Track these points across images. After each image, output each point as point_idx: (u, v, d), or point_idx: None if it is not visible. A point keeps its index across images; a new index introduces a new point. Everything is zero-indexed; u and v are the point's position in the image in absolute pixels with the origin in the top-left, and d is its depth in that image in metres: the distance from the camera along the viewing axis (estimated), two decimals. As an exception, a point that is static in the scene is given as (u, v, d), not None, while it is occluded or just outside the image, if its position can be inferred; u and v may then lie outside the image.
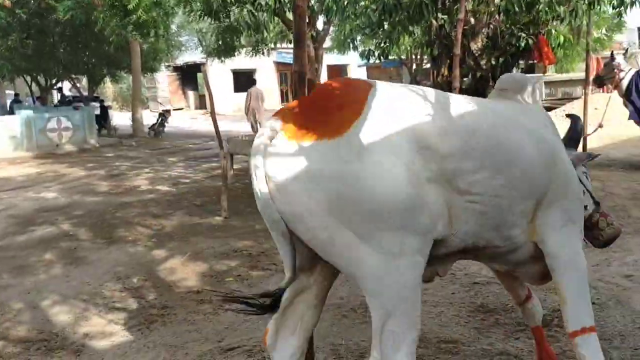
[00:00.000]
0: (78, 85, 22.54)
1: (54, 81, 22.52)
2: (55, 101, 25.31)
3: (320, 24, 12.88)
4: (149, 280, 4.91)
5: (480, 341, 3.38)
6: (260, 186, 2.03)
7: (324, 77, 20.76)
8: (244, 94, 16.81)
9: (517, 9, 5.68)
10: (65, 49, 18.99)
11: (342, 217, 1.97)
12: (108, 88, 34.10)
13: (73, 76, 21.34)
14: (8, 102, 24.89)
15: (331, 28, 13.38)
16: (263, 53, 18.46)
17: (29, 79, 22.11)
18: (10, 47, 16.57)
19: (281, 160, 2.01)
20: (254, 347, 3.49)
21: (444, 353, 3.26)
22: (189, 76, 33.84)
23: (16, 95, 24.17)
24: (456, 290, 4.32)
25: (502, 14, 6.01)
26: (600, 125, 9.16)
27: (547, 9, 5.72)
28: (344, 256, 2.05)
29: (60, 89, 25.13)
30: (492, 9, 6.34)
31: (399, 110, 2.08)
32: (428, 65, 22.18)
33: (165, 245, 6.02)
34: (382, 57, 7.43)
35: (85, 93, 21.87)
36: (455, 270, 4.75)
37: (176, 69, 33.15)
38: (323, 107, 2.10)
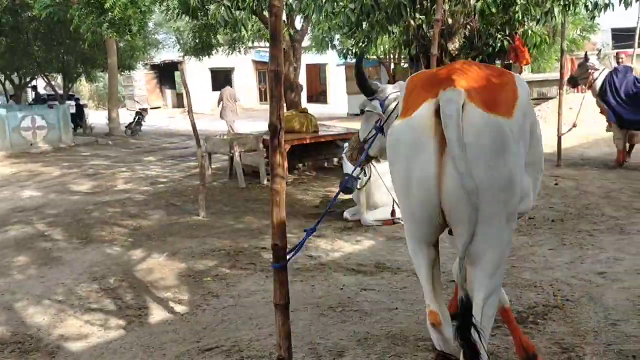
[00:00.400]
0: (53, 83, 22.15)
1: (28, 79, 22.11)
2: (30, 99, 24.88)
3: (298, 22, 12.87)
4: (126, 281, 4.86)
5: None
6: (457, 152, 2.15)
7: (302, 76, 20.71)
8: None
9: (492, 9, 5.74)
10: (39, 46, 18.65)
11: (515, 190, 2.26)
12: (84, 86, 33.59)
13: (48, 74, 20.96)
14: (-20, 100, 24.44)
15: (309, 27, 13.39)
16: (240, 51, 18.40)
17: (2, 77, 21.68)
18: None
19: (478, 128, 2.21)
20: (232, 347, 3.48)
21: (421, 351, 3.29)
22: (166, 74, 33.51)
23: (-12, 93, 23.71)
24: (433, 288, 4.35)
25: (477, 15, 6.06)
26: (575, 125, 9.31)
27: (522, 10, 5.79)
28: (503, 222, 2.28)
29: (34, 87, 24.69)
30: (469, 9, 6.40)
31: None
32: (406, 65, 22.37)
33: (142, 245, 5.96)
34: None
35: (61, 91, 21.49)
36: (433, 269, 4.80)
37: (153, 67, 32.78)
38: (489, 86, 2.36)
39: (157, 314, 4.14)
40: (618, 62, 9.17)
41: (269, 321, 3.84)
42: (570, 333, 3.46)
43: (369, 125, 3.63)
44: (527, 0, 5.93)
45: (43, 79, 21.56)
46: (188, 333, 3.75)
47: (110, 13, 9.08)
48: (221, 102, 15.49)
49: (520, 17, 5.77)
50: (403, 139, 2.38)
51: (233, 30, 11.11)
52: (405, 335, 3.49)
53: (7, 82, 21.96)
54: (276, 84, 2.66)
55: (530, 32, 6.45)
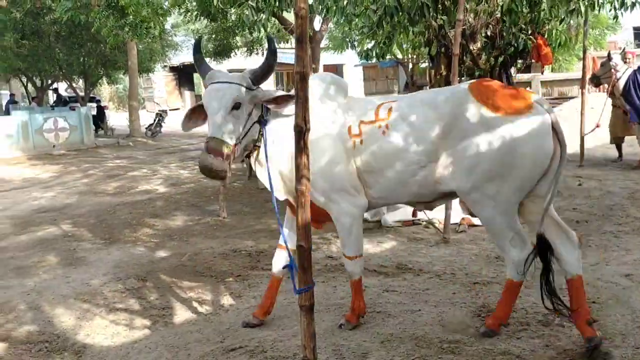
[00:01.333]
0: (74, 85, 22.46)
1: (49, 82, 22.46)
2: (51, 102, 25.25)
3: (317, 23, 12.88)
4: (150, 281, 4.90)
5: (482, 341, 3.39)
6: None
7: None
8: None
9: (520, 8, 5.67)
10: (61, 49, 18.93)
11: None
12: (104, 88, 34.04)
13: (69, 76, 21.27)
14: (4, 102, 24.86)
15: (328, 28, 13.40)
16: (257, 53, 18.50)
17: (24, 79, 22.03)
18: (5, 47, 16.52)
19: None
20: (255, 347, 3.49)
21: (446, 353, 3.27)
22: (185, 76, 33.81)
23: (12, 95, 24.11)
24: (457, 290, 4.32)
25: (504, 14, 5.97)
26: (598, 125, 9.20)
27: (549, 8, 5.69)
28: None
29: (56, 90, 25.07)
30: (492, 8, 6.34)
31: None
32: (424, 65, 22.27)
33: (165, 246, 6.02)
34: (380, 57, 7.44)
35: (82, 93, 21.79)
36: (455, 270, 4.78)
37: (173, 69, 33.10)
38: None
39: (181, 314, 4.17)
40: (625, 61, 9.05)
41: (292, 322, 3.86)
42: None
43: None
44: (554, -2, 5.85)
45: (65, 81, 21.88)
46: (212, 333, 3.78)
47: (130, 15, 9.18)
48: None
49: (548, 15, 5.68)
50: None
51: (251, 32, 11.16)
52: (429, 338, 3.47)
53: (29, 85, 22.31)
54: (302, 85, 2.66)
55: (555, 30, 6.36)
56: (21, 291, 4.81)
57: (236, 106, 3.29)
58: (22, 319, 4.21)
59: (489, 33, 6.94)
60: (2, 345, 3.78)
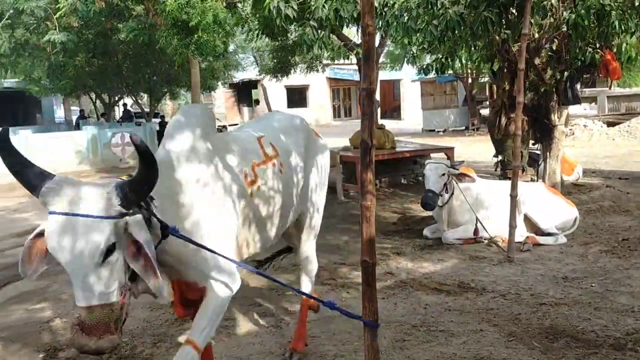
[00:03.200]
0: (140, 102, 23.37)
1: (116, 98, 23.45)
2: (117, 117, 26.35)
3: (376, 39, 12.93)
4: (212, 293, 4.99)
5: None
6: None
7: (377, 92, 20.76)
8: (297, 109, 17.07)
9: (586, 22, 5.50)
10: (128, 67, 19.76)
11: None
12: (167, 105, 35.20)
13: (135, 93, 22.15)
14: (74, 118, 26.14)
15: (386, 43, 13.44)
16: (317, 70, 18.72)
17: (93, 96, 23.10)
18: (77, 66, 17.39)
19: None
20: (317, 362, 3.50)
21: (512, 375, 3.18)
22: (244, 92, 34.54)
23: (81, 111, 25.33)
24: (522, 310, 4.20)
25: (570, 28, 5.81)
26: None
27: (619, 21, 5.48)
28: None
29: (125, 105, 26.17)
30: (558, 22, 6.18)
31: None
32: (483, 80, 21.93)
33: (226, 259, 6.12)
34: (439, 72, 7.39)
35: (147, 109, 22.67)
36: (520, 290, 4.64)
37: (232, 85, 33.90)
38: None
39: (243, 326, 4.23)
40: None
41: (352, 337, 3.85)
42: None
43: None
44: (623, 10, 5.63)
45: (131, 97, 22.80)
46: (274, 345, 3.82)
47: (195, 35, 9.48)
48: None
49: (617, 28, 5.47)
50: None
51: (309, 51, 11.39)
52: (494, 359, 3.38)
53: (97, 101, 23.37)
54: (368, 101, 2.69)
55: (625, 44, 6.12)
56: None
57: (110, 250, 2.08)
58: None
59: (554, 47, 6.77)
60: (74, 351, 3.93)
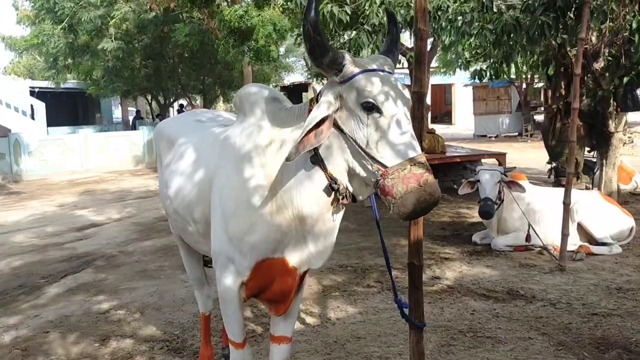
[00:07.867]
0: (194, 103, 23.95)
1: (171, 99, 24.12)
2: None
3: (427, 44, 12.81)
4: (260, 291, 5.09)
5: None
6: None
7: (427, 97, 20.60)
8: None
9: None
10: (183, 69, 20.31)
11: None
12: (219, 107, 35.95)
13: (189, 95, 22.73)
14: (130, 118, 27.05)
15: (439, 48, 13.31)
16: (362, 72, 18.69)
17: (149, 97, 23.85)
18: (133, 68, 18.03)
19: None
20: (362, 362, 3.53)
21: (561, 384, 3.13)
22: (295, 95, 34.85)
23: (138, 112, 26.19)
24: (573, 320, 4.11)
25: (633, 33, 5.60)
26: None
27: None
28: None
29: (181, 106, 26.93)
30: (618, 26, 5.99)
31: None
32: (538, 85, 21.38)
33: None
34: (493, 77, 7.28)
35: (201, 110, 23.27)
36: (572, 300, 4.54)
37: (283, 88, 34.30)
38: None
39: (289, 325, 4.30)
40: None
41: (398, 340, 3.86)
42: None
43: None
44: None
45: (185, 99, 23.42)
46: (320, 345, 3.87)
47: (252, 41, 9.71)
48: None
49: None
50: None
51: (359, 54, 11.43)
52: (543, 367, 3.33)
53: (153, 102, 24.11)
54: (419, 105, 2.71)
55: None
56: (145, 292, 5.22)
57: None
58: (145, 318, 4.55)
59: (613, 52, 6.57)
60: (129, 341, 4.11)
